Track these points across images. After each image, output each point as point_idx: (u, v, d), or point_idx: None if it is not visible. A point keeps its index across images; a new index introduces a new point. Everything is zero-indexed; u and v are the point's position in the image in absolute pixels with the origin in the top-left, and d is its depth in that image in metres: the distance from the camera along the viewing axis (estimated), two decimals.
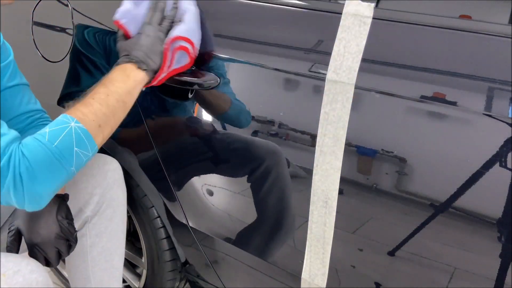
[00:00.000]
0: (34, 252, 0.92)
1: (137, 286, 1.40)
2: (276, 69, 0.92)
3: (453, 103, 0.76)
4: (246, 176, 1.01)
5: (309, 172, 0.88)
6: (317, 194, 0.88)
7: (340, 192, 0.86)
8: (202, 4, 1.02)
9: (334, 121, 0.83)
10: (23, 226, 0.91)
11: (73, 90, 1.23)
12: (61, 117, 0.81)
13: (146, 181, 1.16)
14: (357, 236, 0.88)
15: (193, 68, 1.00)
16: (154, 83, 0.93)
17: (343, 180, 0.85)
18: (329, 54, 0.83)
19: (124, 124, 1.17)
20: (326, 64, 0.83)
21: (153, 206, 1.21)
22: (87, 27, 1.16)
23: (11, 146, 0.76)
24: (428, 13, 0.80)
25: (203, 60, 0.99)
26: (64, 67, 1.22)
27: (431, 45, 0.79)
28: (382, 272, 0.89)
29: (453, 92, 0.77)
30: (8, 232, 0.91)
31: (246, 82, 0.98)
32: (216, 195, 1.07)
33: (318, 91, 0.85)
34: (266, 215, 1.01)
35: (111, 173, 1.09)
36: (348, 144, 0.83)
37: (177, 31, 0.91)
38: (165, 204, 1.16)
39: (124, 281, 1.43)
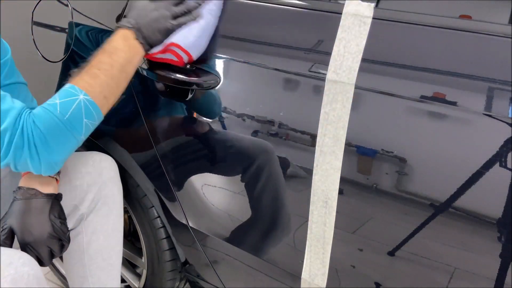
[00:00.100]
0: (27, 251, 0.92)
1: (137, 286, 1.40)
2: (276, 69, 0.92)
3: (453, 103, 0.76)
4: (240, 175, 1.01)
5: (309, 172, 0.88)
6: (317, 194, 0.88)
7: (340, 192, 0.86)
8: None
9: (334, 121, 0.83)
10: (16, 225, 0.91)
11: None
12: (69, 88, 0.85)
13: (146, 180, 1.17)
14: (357, 236, 0.88)
15: (194, 68, 1.00)
16: (150, 57, 0.95)
17: (343, 180, 0.85)
18: (329, 54, 0.83)
19: (125, 125, 1.16)
20: (326, 64, 0.83)
21: (153, 206, 1.21)
22: (78, 25, 1.16)
23: (21, 118, 0.81)
24: (428, 13, 0.80)
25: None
26: None
27: (431, 45, 0.79)
28: (382, 272, 0.89)
29: (453, 92, 0.77)
30: (1, 231, 0.91)
31: (246, 82, 0.98)
32: (216, 195, 1.07)
33: (318, 91, 0.85)
34: (263, 214, 1.01)
35: (106, 170, 1.09)
36: (348, 144, 0.83)
37: (183, 40, 0.92)
38: (161, 204, 1.16)
39: (124, 281, 1.43)
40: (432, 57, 0.79)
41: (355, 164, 0.85)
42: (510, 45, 0.72)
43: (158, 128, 1.10)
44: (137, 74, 1.06)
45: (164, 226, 1.22)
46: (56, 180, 0.99)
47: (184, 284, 1.39)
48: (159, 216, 1.21)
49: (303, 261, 0.95)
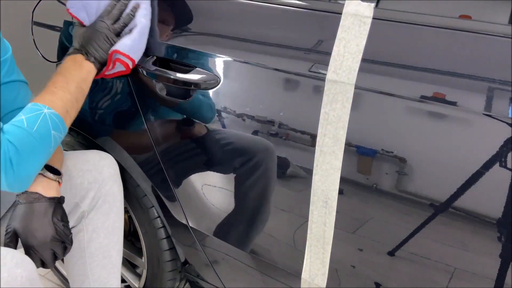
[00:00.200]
0: (30, 253, 0.92)
1: (137, 286, 1.40)
2: (276, 69, 0.92)
3: (453, 103, 0.76)
4: (240, 175, 1.01)
5: (309, 172, 0.88)
6: (317, 194, 0.88)
7: (340, 192, 0.86)
8: (202, 4, 1.02)
9: (334, 121, 0.83)
10: (20, 228, 0.92)
11: None
12: (31, 105, 0.89)
13: (145, 180, 1.16)
14: (357, 236, 0.88)
15: (194, 68, 1.00)
16: (102, 75, 1.02)
17: (343, 180, 0.85)
18: (329, 54, 0.83)
19: (124, 125, 1.16)
20: (326, 64, 0.83)
21: (153, 206, 1.21)
22: (70, 23, 1.16)
23: None
24: (428, 13, 0.80)
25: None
26: None
27: (431, 45, 0.79)
28: (382, 272, 0.89)
29: (453, 92, 0.77)
30: (5, 234, 0.92)
31: (246, 82, 0.98)
32: (216, 195, 1.07)
33: (318, 91, 0.85)
34: (263, 214, 1.01)
35: (106, 168, 1.10)
36: (348, 144, 0.83)
37: (121, 45, 0.98)
38: (161, 204, 1.16)
39: (124, 281, 1.43)
40: (432, 57, 0.79)
41: (355, 164, 0.84)
42: (510, 45, 0.72)
43: (158, 128, 1.10)
44: (137, 74, 1.06)
45: (164, 226, 1.22)
46: (59, 183, 1.00)
47: (184, 284, 1.39)
48: (159, 216, 1.21)
49: (303, 261, 0.95)
